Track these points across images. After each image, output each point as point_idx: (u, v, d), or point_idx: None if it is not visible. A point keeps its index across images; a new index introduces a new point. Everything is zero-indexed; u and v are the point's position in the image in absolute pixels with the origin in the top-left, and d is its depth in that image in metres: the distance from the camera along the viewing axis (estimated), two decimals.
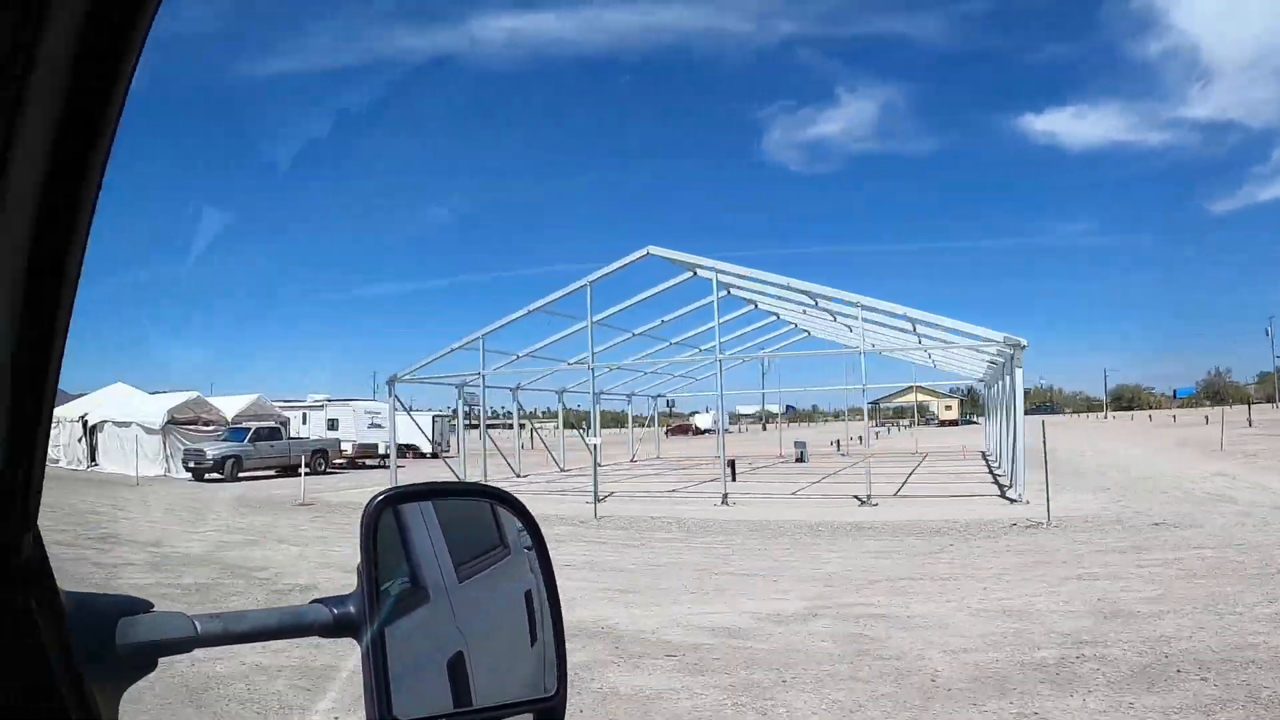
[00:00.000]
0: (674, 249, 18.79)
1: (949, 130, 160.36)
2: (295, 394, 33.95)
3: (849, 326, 21.11)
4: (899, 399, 78.34)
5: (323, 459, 26.62)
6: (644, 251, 18.82)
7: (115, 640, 0.70)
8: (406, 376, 21.57)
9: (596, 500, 14.67)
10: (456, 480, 14.62)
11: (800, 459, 27.86)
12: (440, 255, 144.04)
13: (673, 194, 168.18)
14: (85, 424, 28.03)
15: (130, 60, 0.51)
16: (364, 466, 29.27)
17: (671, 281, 20.61)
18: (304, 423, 32.36)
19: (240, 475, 23.96)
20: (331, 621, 0.81)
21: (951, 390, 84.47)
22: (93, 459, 27.74)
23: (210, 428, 26.77)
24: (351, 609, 0.81)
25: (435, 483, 1.01)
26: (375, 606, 0.82)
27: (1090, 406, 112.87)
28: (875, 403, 71.84)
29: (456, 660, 0.90)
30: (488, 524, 1.01)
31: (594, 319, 19.23)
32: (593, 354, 19.71)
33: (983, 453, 30.18)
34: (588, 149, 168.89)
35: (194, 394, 27.93)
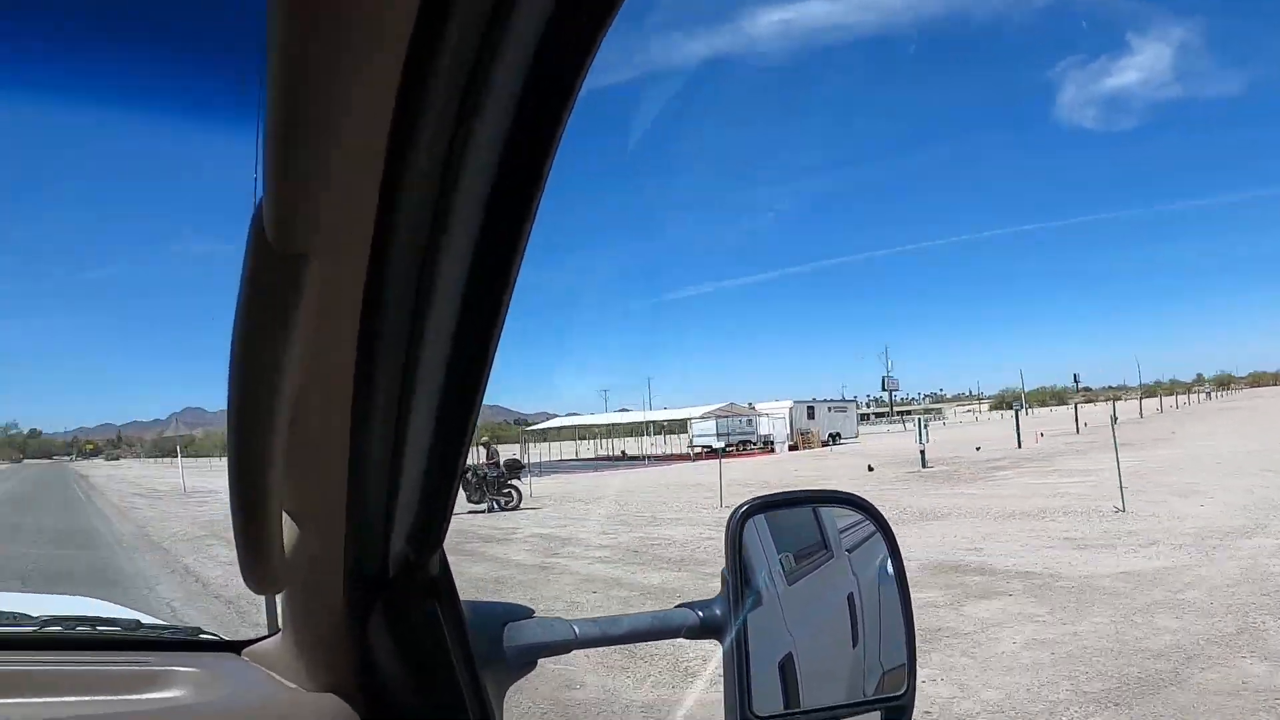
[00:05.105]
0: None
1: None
2: None
3: None
4: None
5: None
6: None
7: (503, 642, 0.79)
8: None
9: None
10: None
11: None
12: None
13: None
14: None
15: (576, 88, 0.50)
16: None
17: None
18: None
19: None
20: (698, 624, 0.86)
21: None
22: None
23: None
24: (717, 612, 0.87)
25: (790, 492, 1.03)
26: (739, 610, 0.86)
27: None
28: None
29: (786, 661, 0.93)
30: (810, 527, 1.03)
31: None
32: None
33: None
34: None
35: None
